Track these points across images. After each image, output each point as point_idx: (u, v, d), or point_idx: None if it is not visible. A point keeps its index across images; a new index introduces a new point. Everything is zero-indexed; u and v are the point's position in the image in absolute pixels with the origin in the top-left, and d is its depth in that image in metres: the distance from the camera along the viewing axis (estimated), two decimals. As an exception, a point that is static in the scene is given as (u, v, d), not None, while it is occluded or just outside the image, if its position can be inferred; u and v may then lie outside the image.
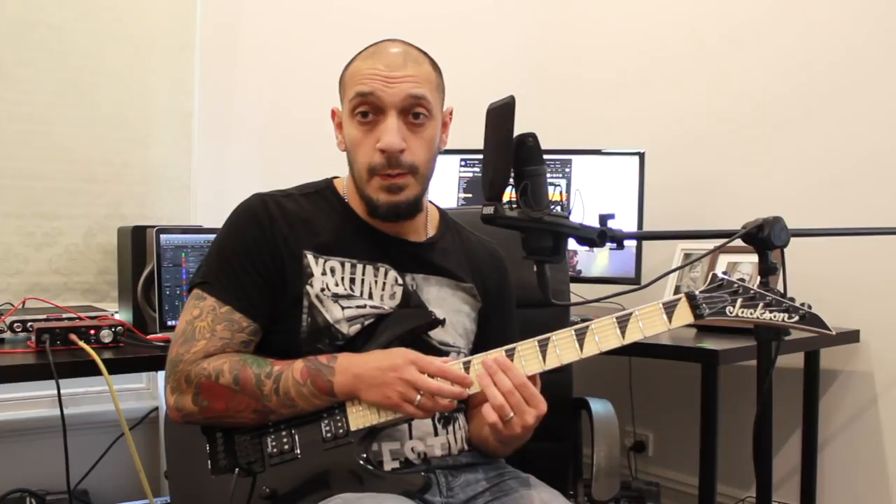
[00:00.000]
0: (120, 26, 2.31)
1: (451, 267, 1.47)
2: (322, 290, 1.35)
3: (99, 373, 1.66)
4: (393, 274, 1.41)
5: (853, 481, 2.40)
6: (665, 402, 2.85)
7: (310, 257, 1.37)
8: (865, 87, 2.36)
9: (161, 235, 1.98)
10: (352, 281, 1.38)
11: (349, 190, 1.45)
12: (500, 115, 1.23)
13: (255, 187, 1.46)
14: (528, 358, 1.27)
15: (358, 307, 1.36)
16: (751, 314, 1.23)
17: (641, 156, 2.54)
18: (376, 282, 1.39)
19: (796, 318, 1.22)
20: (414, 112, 1.34)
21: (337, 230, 1.41)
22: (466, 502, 1.37)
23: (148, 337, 1.92)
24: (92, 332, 1.77)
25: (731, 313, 1.24)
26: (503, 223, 1.24)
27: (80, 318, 1.87)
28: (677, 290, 2.36)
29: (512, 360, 1.27)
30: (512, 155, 1.22)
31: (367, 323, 1.36)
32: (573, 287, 2.13)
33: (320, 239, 1.39)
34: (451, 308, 1.46)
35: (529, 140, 1.23)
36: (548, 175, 1.26)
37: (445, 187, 2.65)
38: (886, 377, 2.34)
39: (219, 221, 1.42)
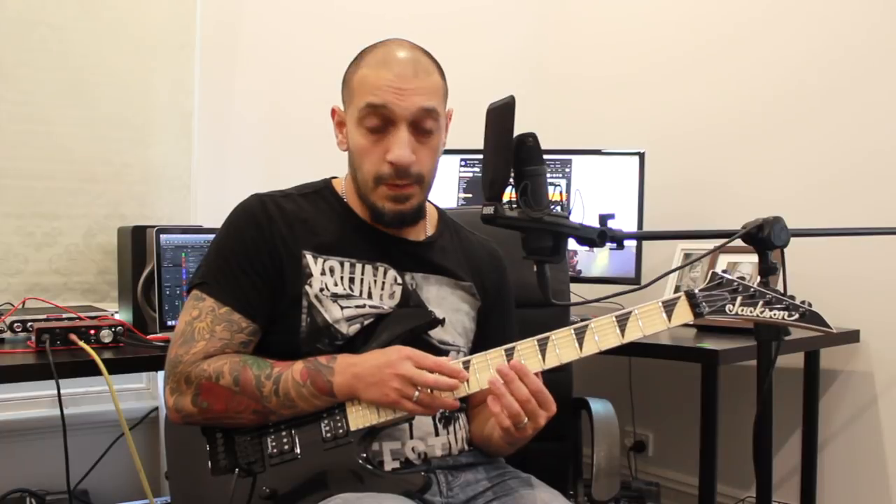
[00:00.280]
0: (120, 26, 2.31)
1: (450, 266, 1.48)
2: (321, 289, 1.35)
3: (99, 373, 1.66)
4: (392, 273, 1.41)
5: (853, 481, 2.40)
6: (665, 402, 2.85)
7: (309, 257, 1.37)
8: (865, 87, 2.36)
9: (161, 235, 1.98)
10: (351, 280, 1.38)
11: (348, 190, 1.45)
12: (500, 115, 1.23)
13: (255, 187, 1.46)
14: (528, 357, 1.27)
15: (357, 307, 1.36)
16: (750, 312, 1.23)
17: (641, 156, 2.54)
18: (375, 281, 1.39)
19: (796, 315, 1.22)
20: (424, 125, 1.34)
21: (336, 230, 1.41)
22: (467, 502, 1.37)
23: (148, 337, 1.92)
24: (92, 332, 1.77)
25: (730, 311, 1.24)
26: (503, 223, 1.24)
27: (80, 318, 1.87)
28: (677, 290, 2.33)
29: (511, 360, 1.27)
30: (512, 155, 1.22)
31: (366, 323, 1.37)
32: (573, 287, 2.13)
33: (319, 239, 1.39)
34: (451, 307, 1.46)
35: (529, 140, 1.23)
36: (548, 175, 1.26)
37: (445, 187, 2.64)
38: (886, 377, 2.34)
39: (219, 221, 1.42)
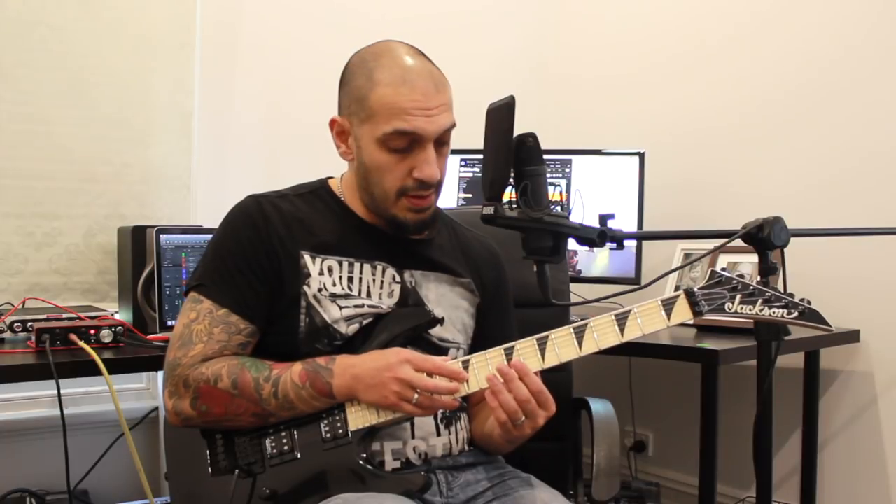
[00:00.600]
0: (120, 26, 2.31)
1: (449, 262, 1.48)
2: (319, 289, 1.35)
3: (99, 373, 1.66)
4: (391, 272, 1.41)
5: (853, 481, 2.40)
6: (665, 402, 2.85)
7: (307, 257, 1.37)
8: (865, 87, 2.36)
9: (161, 235, 1.98)
10: (350, 280, 1.38)
11: (345, 190, 1.45)
12: (500, 115, 1.23)
13: (255, 187, 1.46)
14: (527, 356, 1.27)
15: (356, 307, 1.36)
16: (750, 310, 1.23)
17: (641, 156, 2.54)
18: (374, 280, 1.39)
19: (796, 313, 1.22)
20: (443, 139, 1.35)
21: (333, 229, 1.41)
22: (467, 502, 1.37)
23: (148, 337, 1.92)
24: (92, 332, 1.77)
25: (729, 310, 1.23)
26: (503, 223, 1.24)
27: (80, 318, 1.87)
28: (677, 290, 2.35)
29: (511, 359, 1.27)
30: (512, 155, 1.22)
31: (365, 322, 1.36)
32: (573, 287, 2.13)
33: (317, 238, 1.39)
34: (450, 304, 1.46)
35: (529, 140, 1.23)
36: (548, 175, 1.26)
37: (445, 187, 2.63)
38: (886, 377, 2.34)
39: (219, 221, 1.42)
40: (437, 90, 1.33)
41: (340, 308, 1.35)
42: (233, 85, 2.61)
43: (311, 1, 2.73)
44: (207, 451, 1.32)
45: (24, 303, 2.08)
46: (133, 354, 1.78)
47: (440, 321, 1.39)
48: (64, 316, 1.91)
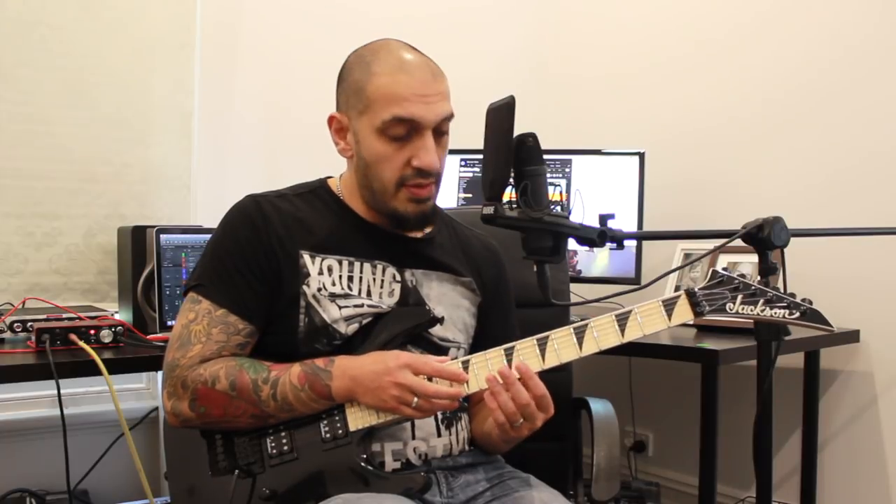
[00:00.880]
0: (120, 26, 2.31)
1: (449, 262, 1.48)
2: (319, 289, 1.35)
3: (99, 373, 1.66)
4: (391, 271, 1.41)
5: (853, 481, 2.40)
6: (665, 402, 2.85)
7: (306, 257, 1.36)
8: (865, 87, 2.36)
9: (161, 235, 1.98)
10: (350, 279, 1.38)
11: (344, 189, 1.45)
12: (500, 115, 1.23)
13: (255, 187, 1.46)
14: (527, 357, 1.27)
15: (355, 306, 1.36)
16: (751, 311, 1.23)
17: (641, 156, 2.54)
18: (374, 279, 1.39)
19: (797, 314, 1.22)
20: (442, 128, 1.35)
21: (333, 229, 1.40)
22: (467, 502, 1.37)
23: (148, 337, 1.91)
24: (92, 332, 1.77)
25: (731, 310, 1.23)
26: (503, 223, 1.24)
27: (80, 318, 1.87)
28: (677, 290, 2.35)
29: (511, 359, 1.27)
30: (512, 155, 1.22)
31: (364, 322, 1.36)
32: (573, 287, 2.13)
33: (316, 238, 1.38)
34: (451, 303, 1.46)
35: (529, 140, 1.23)
36: (548, 175, 1.26)
37: (445, 187, 2.63)
38: (886, 377, 2.34)
39: (218, 221, 1.42)
40: (434, 79, 1.34)
41: (340, 308, 1.35)
42: (233, 85, 2.61)
43: (311, 1, 2.73)
44: (207, 452, 1.32)
45: (24, 303, 2.08)
46: (133, 354, 1.78)
47: (440, 320, 1.39)
48: (64, 316, 1.91)
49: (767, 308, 1.22)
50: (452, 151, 2.54)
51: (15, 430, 2.28)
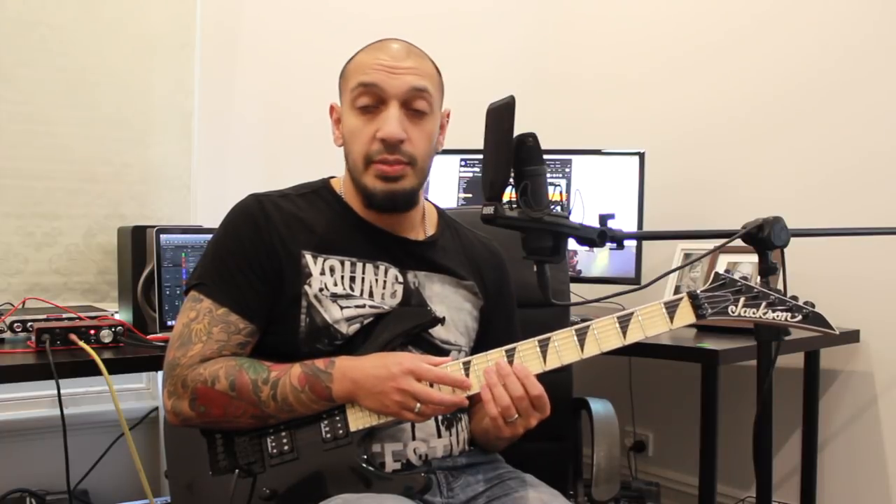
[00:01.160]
0: (120, 26, 2.31)
1: (452, 265, 1.47)
2: (320, 289, 1.35)
3: (99, 373, 1.66)
4: (393, 272, 1.41)
5: (853, 481, 2.40)
6: (665, 402, 2.85)
7: (308, 257, 1.36)
8: (865, 87, 2.36)
9: (161, 235, 1.97)
10: (352, 279, 1.38)
11: (346, 188, 1.45)
12: (500, 115, 1.23)
13: (255, 187, 1.46)
14: (529, 358, 1.27)
15: (357, 307, 1.36)
16: (753, 314, 1.23)
17: (641, 156, 2.54)
18: (377, 280, 1.39)
19: (799, 317, 1.22)
20: (416, 106, 1.35)
21: (335, 229, 1.40)
22: (467, 502, 1.37)
23: (148, 337, 1.91)
24: (92, 332, 1.77)
25: (733, 313, 1.23)
26: (503, 223, 1.23)
27: (80, 318, 1.87)
28: (677, 290, 2.36)
29: (512, 361, 1.27)
30: (512, 155, 1.22)
31: (366, 322, 1.36)
32: (573, 287, 2.13)
33: (318, 238, 1.38)
34: (453, 306, 1.45)
35: (529, 140, 1.23)
36: (548, 175, 1.26)
37: (445, 187, 2.64)
38: (886, 377, 2.34)
39: (219, 221, 1.42)
40: (407, 56, 1.36)
41: (341, 308, 1.35)
42: (233, 85, 2.61)
43: (311, 1, 2.73)
44: (207, 451, 1.32)
45: (24, 303, 2.08)
46: (133, 354, 1.78)
47: (441, 321, 1.39)
48: (64, 316, 1.91)
49: (770, 311, 1.22)
50: (452, 151, 2.59)
51: (15, 430, 2.28)
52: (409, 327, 1.36)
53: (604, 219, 1.27)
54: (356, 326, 1.35)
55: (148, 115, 2.37)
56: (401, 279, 1.41)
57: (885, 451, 2.34)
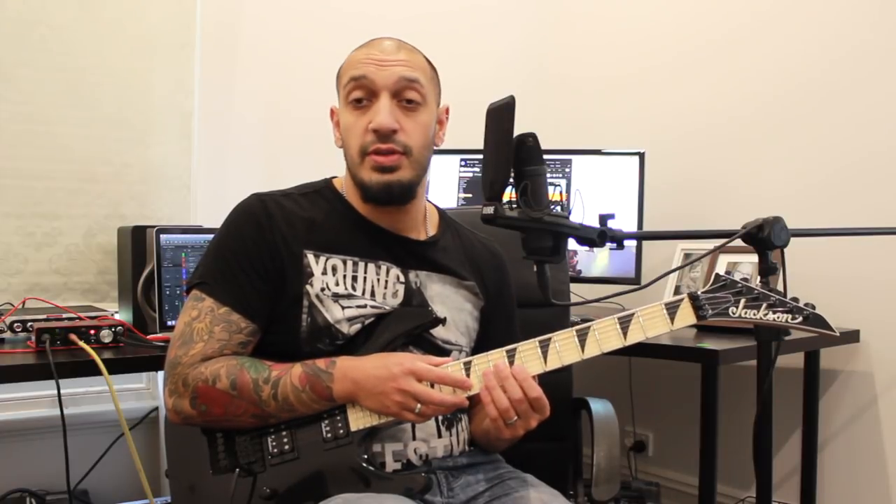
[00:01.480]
0: (120, 26, 2.31)
1: (453, 265, 1.47)
2: (322, 289, 1.35)
3: (99, 373, 1.66)
4: (395, 271, 1.41)
5: (853, 481, 2.40)
6: (665, 402, 2.85)
7: (310, 256, 1.36)
8: (865, 87, 2.36)
9: (161, 235, 1.97)
10: (354, 279, 1.38)
11: (348, 187, 1.45)
12: (500, 115, 1.23)
13: (255, 187, 1.46)
14: (530, 359, 1.27)
15: (358, 307, 1.36)
16: (754, 315, 1.23)
17: (641, 156, 2.54)
18: (378, 280, 1.39)
19: (800, 318, 1.22)
20: (407, 96, 1.36)
21: (337, 228, 1.40)
22: (467, 502, 1.37)
23: (148, 337, 1.91)
24: (92, 332, 1.77)
25: (734, 314, 1.23)
26: (503, 223, 1.23)
27: (80, 318, 1.87)
28: (677, 291, 2.36)
29: (513, 361, 1.27)
30: (512, 155, 1.22)
31: (367, 323, 1.36)
32: (573, 287, 2.13)
33: (321, 237, 1.38)
34: (454, 306, 1.46)
35: (529, 140, 1.23)
36: (548, 175, 1.26)
37: (445, 187, 2.65)
38: (886, 377, 2.34)
39: (219, 221, 1.42)
40: (397, 50, 1.38)
41: (343, 308, 1.35)
42: (233, 85, 2.61)
43: (311, 1, 2.73)
44: (208, 450, 1.32)
45: (24, 303, 2.08)
46: (133, 354, 1.78)
47: (442, 321, 1.39)
48: (64, 316, 1.91)
49: (770, 312, 1.22)
50: (452, 151, 2.58)
51: (15, 430, 2.28)
52: (410, 328, 1.36)
53: (604, 219, 1.27)
54: (357, 326, 1.35)
55: (148, 115, 2.37)
56: (402, 279, 1.41)
57: (885, 451, 2.34)
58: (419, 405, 1.23)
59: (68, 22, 2.23)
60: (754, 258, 1.26)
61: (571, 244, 1.29)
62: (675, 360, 2.23)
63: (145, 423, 2.42)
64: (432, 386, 1.25)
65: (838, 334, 1.24)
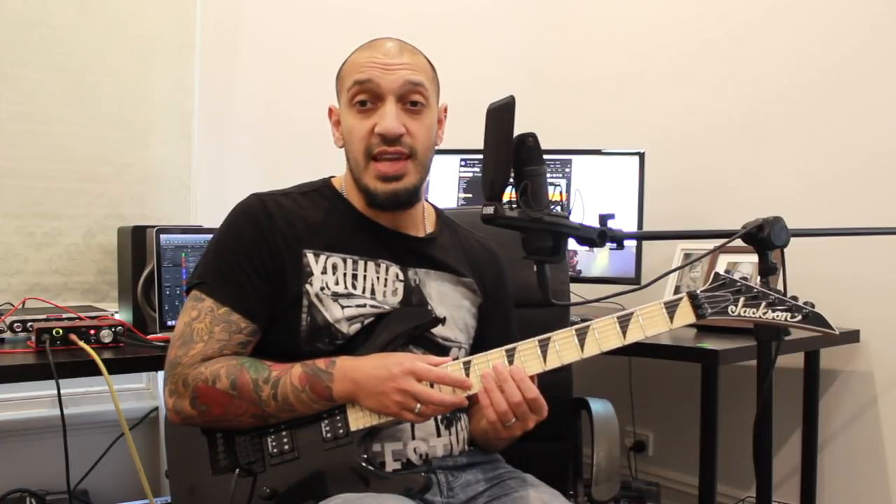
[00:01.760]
0: (120, 26, 2.31)
1: (451, 262, 1.48)
2: (321, 288, 1.35)
3: (99, 373, 1.66)
4: (394, 269, 1.41)
5: (853, 481, 2.40)
6: (665, 402, 2.85)
7: (309, 256, 1.37)
8: (865, 87, 2.36)
9: (161, 235, 1.98)
10: (354, 277, 1.38)
11: (347, 186, 1.45)
12: (500, 115, 1.23)
13: (255, 187, 1.46)
14: (529, 358, 1.27)
15: (358, 306, 1.36)
16: (753, 313, 1.23)
17: (641, 156, 2.54)
18: (378, 278, 1.39)
19: (799, 317, 1.22)
20: (412, 99, 1.36)
21: (337, 227, 1.41)
22: (467, 502, 1.37)
23: (148, 337, 1.91)
24: (92, 332, 1.77)
25: (733, 313, 1.23)
26: (503, 223, 1.24)
27: (80, 318, 1.87)
28: (677, 290, 2.36)
29: (512, 360, 1.27)
30: (512, 155, 1.22)
31: (366, 322, 1.36)
32: (573, 287, 2.13)
33: (320, 236, 1.39)
34: (453, 303, 1.46)
35: (529, 140, 1.23)
36: (548, 175, 1.26)
37: (445, 187, 2.64)
38: (886, 377, 2.34)
39: (219, 221, 1.42)
40: (400, 52, 1.37)
41: (342, 307, 1.35)
42: (233, 85, 2.61)
43: (311, 1, 2.73)
44: (208, 450, 1.32)
45: (24, 303, 2.08)
46: (133, 354, 1.78)
47: (442, 321, 1.39)
48: (64, 316, 1.91)
49: (770, 311, 1.22)
50: (452, 151, 2.58)
51: (15, 430, 2.28)
52: (409, 328, 1.36)
53: (604, 219, 1.27)
54: (357, 326, 1.36)
55: (148, 115, 2.37)
56: (401, 277, 1.41)
57: (885, 451, 2.34)
58: (419, 405, 1.23)
59: (68, 22, 2.23)
60: (754, 258, 1.26)
61: (571, 244, 1.29)
62: (675, 360, 2.23)
63: (145, 423, 2.42)
64: (432, 386, 1.25)
65: (837, 332, 1.24)
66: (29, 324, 1.81)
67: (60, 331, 1.73)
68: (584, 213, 1.28)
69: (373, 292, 1.38)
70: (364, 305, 1.37)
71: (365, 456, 1.29)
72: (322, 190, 1.46)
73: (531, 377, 1.26)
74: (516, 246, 1.28)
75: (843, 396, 2.42)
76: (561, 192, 2.54)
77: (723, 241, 1.29)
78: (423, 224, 1.49)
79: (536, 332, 1.29)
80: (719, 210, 2.66)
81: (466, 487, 1.38)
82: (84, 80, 2.26)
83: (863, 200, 2.35)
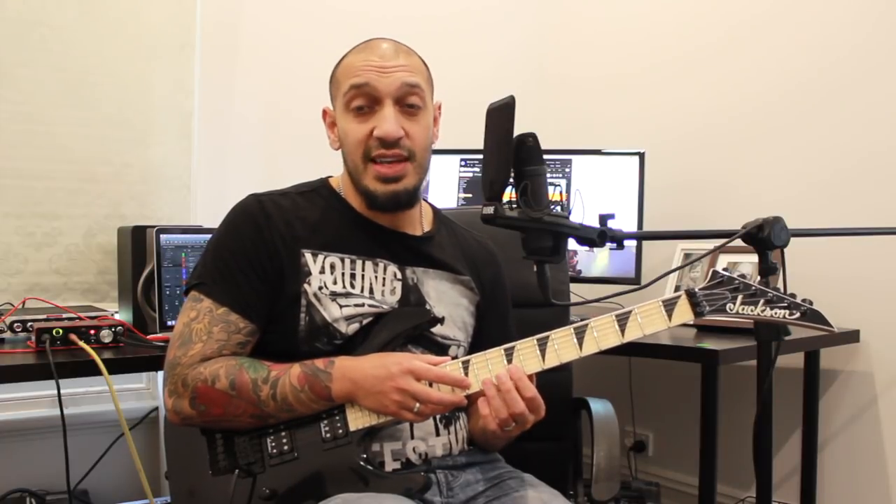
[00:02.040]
0: (120, 26, 2.31)
1: (449, 260, 1.48)
2: (320, 288, 1.35)
3: (99, 373, 1.66)
4: (392, 269, 1.41)
5: (853, 481, 2.40)
6: (665, 402, 2.85)
7: (308, 255, 1.37)
8: (865, 87, 2.36)
9: (161, 235, 1.98)
10: (352, 276, 1.38)
11: (345, 186, 1.45)
12: (500, 115, 1.23)
13: (255, 187, 1.47)
14: (527, 357, 1.27)
15: (356, 305, 1.36)
16: (751, 311, 1.23)
17: (641, 156, 2.54)
18: (376, 277, 1.39)
19: (797, 314, 1.22)
20: (409, 101, 1.36)
21: (335, 226, 1.41)
22: (466, 502, 1.37)
23: (148, 337, 1.92)
24: (92, 332, 1.77)
25: (731, 310, 1.23)
26: (503, 223, 1.24)
27: (80, 318, 1.87)
28: (677, 290, 2.35)
29: (511, 359, 1.27)
30: (512, 155, 1.22)
31: (365, 322, 1.36)
32: (573, 287, 2.13)
33: (318, 236, 1.39)
34: (451, 302, 1.46)
35: (529, 140, 1.23)
36: (548, 175, 1.26)
37: (445, 187, 2.64)
38: (886, 377, 2.34)
39: (218, 221, 1.42)
40: (395, 55, 1.37)
41: (341, 307, 1.35)
42: (233, 85, 2.61)
43: (310, 1, 2.73)
44: (207, 451, 1.32)
45: (24, 303, 2.08)
46: (133, 354, 1.78)
47: (440, 320, 1.39)
48: (64, 316, 1.91)
49: (768, 308, 1.22)
50: (452, 151, 2.58)
51: (15, 430, 2.28)
52: (408, 327, 1.36)
53: (604, 219, 1.27)
54: (355, 326, 1.36)
55: (148, 115, 2.37)
56: (399, 276, 1.41)
57: (885, 451, 2.34)
58: (418, 404, 1.23)
59: (68, 22, 2.23)
60: (754, 258, 1.26)
61: (571, 244, 1.29)
62: (675, 360, 2.23)
63: (145, 423, 2.42)
64: (431, 385, 1.25)
65: (836, 329, 1.24)
66: (29, 324, 1.81)
67: (60, 331, 1.73)
68: (584, 213, 1.28)
69: (371, 291, 1.38)
70: (362, 305, 1.37)
71: (364, 456, 1.29)
72: (320, 190, 1.46)
73: (529, 376, 1.26)
74: (516, 246, 1.28)
75: (843, 396, 2.42)
76: (561, 192, 2.54)
77: (723, 241, 1.29)
78: (420, 223, 1.49)
79: (536, 333, 1.29)
80: (719, 210, 2.66)
81: (466, 487, 1.38)
82: (84, 80, 2.26)
83: (863, 200, 2.35)
